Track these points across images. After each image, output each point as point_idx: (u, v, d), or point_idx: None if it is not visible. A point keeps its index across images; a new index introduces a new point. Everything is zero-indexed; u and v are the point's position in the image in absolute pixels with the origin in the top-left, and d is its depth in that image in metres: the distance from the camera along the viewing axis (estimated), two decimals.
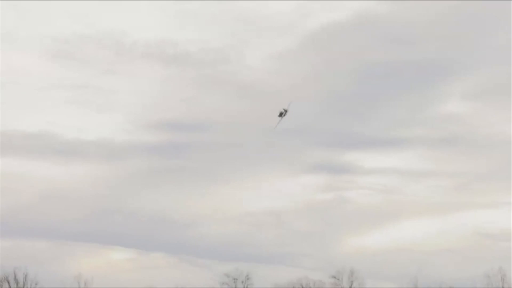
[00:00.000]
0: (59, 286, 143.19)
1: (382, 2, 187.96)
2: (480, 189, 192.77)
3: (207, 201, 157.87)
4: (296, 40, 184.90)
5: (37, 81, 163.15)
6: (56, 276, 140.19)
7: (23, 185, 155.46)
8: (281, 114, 64.10)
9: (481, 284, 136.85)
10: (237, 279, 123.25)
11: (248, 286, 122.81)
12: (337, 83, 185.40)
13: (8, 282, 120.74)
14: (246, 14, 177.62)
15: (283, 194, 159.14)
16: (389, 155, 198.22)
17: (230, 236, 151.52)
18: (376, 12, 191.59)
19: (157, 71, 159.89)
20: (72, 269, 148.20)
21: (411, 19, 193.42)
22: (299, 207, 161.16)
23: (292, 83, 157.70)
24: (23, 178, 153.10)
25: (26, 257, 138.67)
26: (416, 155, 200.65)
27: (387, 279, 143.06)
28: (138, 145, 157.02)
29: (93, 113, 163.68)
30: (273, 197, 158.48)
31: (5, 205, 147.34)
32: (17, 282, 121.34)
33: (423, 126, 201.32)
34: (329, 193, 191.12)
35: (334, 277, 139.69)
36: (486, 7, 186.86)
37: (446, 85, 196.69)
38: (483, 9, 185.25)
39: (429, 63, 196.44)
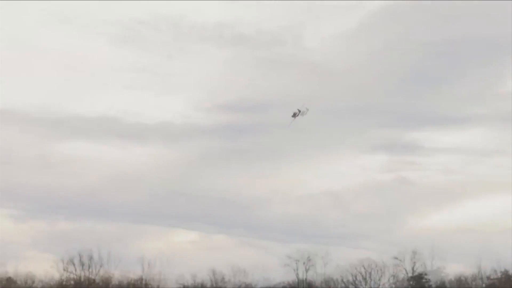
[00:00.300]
0: (124, 267, 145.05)
1: None
2: None
3: (268, 183, 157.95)
4: (355, 21, 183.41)
5: (98, 67, 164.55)
6: (121, 257, 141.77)
7: (87, 169, 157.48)
8: (294, 115, 63.94)
9: None
10: (299, 261, 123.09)
11: (310, 268, 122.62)
12: (397, 63, 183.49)
13: (74, 264, 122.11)
14: None
15: (343, 175, 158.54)
16: (451, 134, 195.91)
17: (291, 218, 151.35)
18: None
19: (215, 54, 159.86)
20: (136, 251, 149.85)
21: None
22: (360, 188, 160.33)
23: (351, 64, 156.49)
24: (85, 162, 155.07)
25: (91, 239, 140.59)
26: (479, 135, 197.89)
27: (450, 260, 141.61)
28: (198, 127, 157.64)
29: (153, 97, 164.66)
30: (333, 178, 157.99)
31: (70, 189, 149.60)
32: (82, 264, 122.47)
33: (485, 105, 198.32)
34: (389, 174, 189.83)
35: (396, 258, 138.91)
36: None
37: (511, 64, 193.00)
38: None
39: (492, 41, 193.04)
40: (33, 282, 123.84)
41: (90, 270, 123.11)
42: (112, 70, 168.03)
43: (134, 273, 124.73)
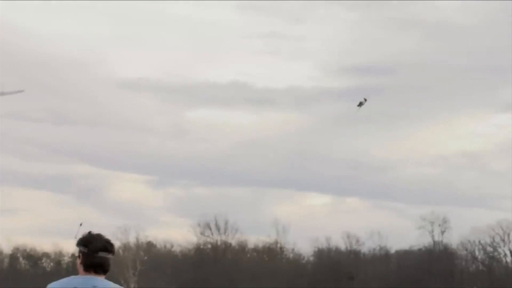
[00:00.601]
0: (258, 231, 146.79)
1: None
2: None
3: (400, 144, 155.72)
4: None
5: (226, 33, 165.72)
6: (255, 222, 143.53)
7: (218, 135, 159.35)
8: (360, 104, 62.00)
9: None
10: (434, 223, 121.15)
11: (446, 230, 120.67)
12: None
13: (210, 229, 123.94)
14: None
15: (477, 135, 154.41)
16: None
17: (424, 179, 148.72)
18: None
19: (343, 16, 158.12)
20: (269, 215, 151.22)
21: None
22: (495, 148, 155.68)
23: (481, 21, 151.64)
24: (217, 128, 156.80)
25: (226, 204, 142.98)
26: None
27: None
28: (328, 91, 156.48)
29: (281, 62, 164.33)
30: (467, 138, 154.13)
31: (202, 155, 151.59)
32: (218, 228, 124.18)
33: None
34: None
35: None
36: None
37: None
38: None
39: None
40: (172, 246, 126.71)
41: (226, 234, 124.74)
42: (240, 36, 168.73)
43: (269, 236, 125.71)
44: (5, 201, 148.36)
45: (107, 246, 7.27)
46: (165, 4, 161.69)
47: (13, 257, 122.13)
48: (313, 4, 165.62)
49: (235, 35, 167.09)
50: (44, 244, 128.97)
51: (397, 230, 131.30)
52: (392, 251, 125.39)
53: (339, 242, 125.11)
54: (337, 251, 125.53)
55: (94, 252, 7.17)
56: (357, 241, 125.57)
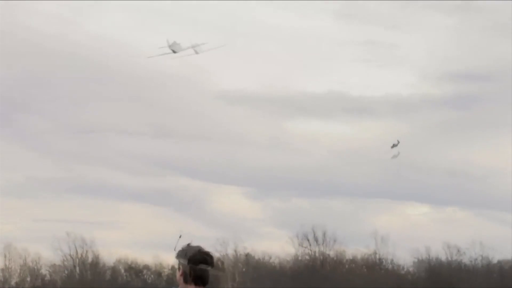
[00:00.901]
0: (356, 242, 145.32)
1: None
2: None
3: (501, 152, 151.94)
4: None
5: (321, 43, 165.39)
6: (353, 233, 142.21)
7: (315, 145, 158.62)
8: (393, 146, 62.76)
9: None
10: None
11: None
12: None
13: (308, 240, 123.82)
14: None
15: None
16: None
17: None
18: None
19: (440, 22, 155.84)
20: (368, 225, 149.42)
21: None
22: None
23: None
24: (314, 138, 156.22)
25: (324, 215, 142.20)
26: None
27: None
28: (426, 98, 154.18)
29: (378, 69, 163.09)
30: None
31: (301, 166, 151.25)
32: (316, 240, 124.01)
33: None
34: None
35: None
36: None
37: None
38: None
39: None
40: (270, 257, 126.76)
41: (324, 245, 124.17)
42: (336, 44, 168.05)
43: (367, 247, 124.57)
44: (107, 214, 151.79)
45: (207, 258, 7.29)
46: (263, 16, 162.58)
47: (115, 269, 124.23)
48: (410, 11, 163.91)
49: (332, 44, 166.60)
50: (145, 256, 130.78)
51: (499, 239, 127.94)
52: (495, 261, 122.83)
53: (439, 252, 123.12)
54: (438, 261, 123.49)
55: (195, 264, 7.20)
56: (458, 251, 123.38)
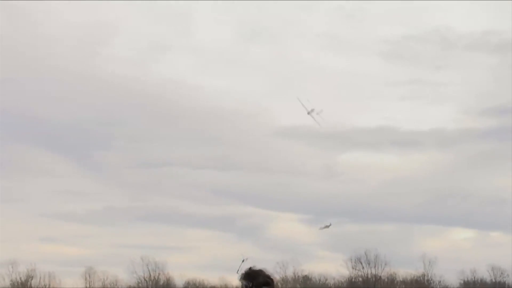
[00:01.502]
0: (406, 265, 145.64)
1: None
2: None
3: None
4: None
5: (372, 82, 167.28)
6: (403, 256, 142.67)
7: (366, 175, 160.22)
8: (325, 227, 67.05)
9: None
10: None
11: None
12: None
13: (361, 263, 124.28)
14: None
15: None
16: None
17: None
18: None
19: (482, 61, 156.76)
20: (417, 249, 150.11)
21: None
22: None
23: None
24: (366, 169, 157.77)
25: (375, 239, 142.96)
26: None
27: None
28: (469, 131, 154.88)
29: (425, 106, 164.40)
30: None
31: (353, 194, 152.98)
32: (368, 262, 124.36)
33: None
34: None
35: None
36: None
37: None
38: None
39: None
40: (326, 279, 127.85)
41: (376, 267, 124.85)
42: (386, 84, 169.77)
43: (416, 270, 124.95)
44: (177, 240, 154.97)
45: (268, 281, 7.66)
46: (315, 58, 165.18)
47: None
48: (453, 52, 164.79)
49: (381, 83, 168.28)
50: (212, 278, 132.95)
51: None
52: None
53: (485, 274, 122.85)
54: (483, 282, 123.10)
55: (258, 286, 7.58)
56: (502, 273, 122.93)
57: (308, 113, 64.05)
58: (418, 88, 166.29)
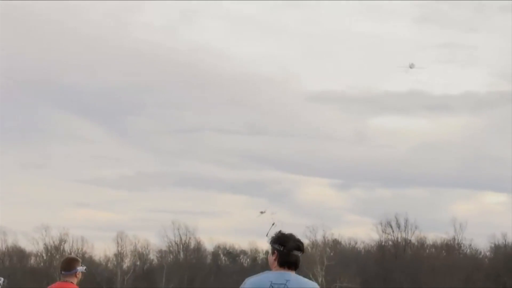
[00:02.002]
0: (436, 229, 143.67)
1: None
2: None
3: None
4: None
5: (403, 46, 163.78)
6: (433, 220, 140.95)
7: (397, 140, 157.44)
8: (261, 213, 62.78)
9: None
10: None
11: None
12: None
13: (391, 227, 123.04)
14: None
15: None
16: None
17: None
18: None
19: None
20: (447, 213, 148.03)
21: None
22: None
23: None
24: (396, 134, 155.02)
25: (406, 204, 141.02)
26: None
27: None
28: (502, 95, 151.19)
29: (458, 69, 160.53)
30: None
31: (384, 159, 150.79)
32: (399, 226, 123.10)
33: None
34: None
35: None
36: None
37: None
38: None
39: None
40: (356, 243, 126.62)
41: (406, 231, 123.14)
42: (417, 48, 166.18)
43: (446, 233, 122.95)
44: (208, 204, 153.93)
45: (300, 245, 7.42)
46: (345, 23, 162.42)
47: (215, 254, 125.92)
48: (486, 14, 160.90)
49: (413, 46, 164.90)
50: (241, 242, 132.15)
51: None
52: None
53: None
54: None
55: (290, 250, 7.31)
56: None
57: (410, 67, 65.98)
58: (450, 51, 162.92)
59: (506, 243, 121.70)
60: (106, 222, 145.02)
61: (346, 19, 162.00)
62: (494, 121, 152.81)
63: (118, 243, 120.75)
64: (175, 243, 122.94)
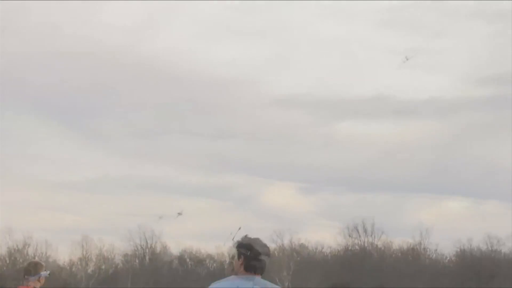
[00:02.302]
0: (402, 234, 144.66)
1: None
2: None
3: None
4: None
5: (369, 51, 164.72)
6: (399, 225, 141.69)
7: (365, 145, 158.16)
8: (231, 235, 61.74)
9: None
10: None
11: None
12: None
13: (358, 231, 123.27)
14: None
15: None
16: None
17: None
18: None
19: (480, 29, 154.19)
20: (413, 218, 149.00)
21: None
22: None
23: None
24: (364, 138, 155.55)
25: (372, 208, 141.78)
26: None
27: None
28: (466, 101, 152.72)
29: (423, 75, 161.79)
30: None
31: (351, 163, 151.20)
32: (365, 231, 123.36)
33: None
34: None
35: None
36: None
37: None
38: None
39: None
40: (322, 247, 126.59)
41: (373, 236, 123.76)
42: (382, 52, 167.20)
43: (413, 238, 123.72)
44: (174, 208, 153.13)
45: (266, 250, 7.41)
46: (312, 26, 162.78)
47: (181, 258, 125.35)
48: (451, 19, 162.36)
49: (378, 52, 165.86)
50: (208, 246, 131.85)
51: None
52: None
53: (480, 243, 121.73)
54: (479, 251, 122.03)
55: (256, 255, 7.31)
56: (498, 241, 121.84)
57: (407, 58, 70.00)
58: (417, 56, 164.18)
59: (471, 248, 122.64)
60: (71, 225, 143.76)
61: (313, 23, 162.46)
62: (460, 127, 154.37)
63: (83, 246, 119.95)
64: (141, 247, 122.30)
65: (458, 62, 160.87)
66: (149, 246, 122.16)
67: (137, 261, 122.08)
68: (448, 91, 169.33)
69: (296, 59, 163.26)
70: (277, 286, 7.44)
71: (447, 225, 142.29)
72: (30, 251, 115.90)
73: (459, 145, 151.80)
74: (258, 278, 7.38)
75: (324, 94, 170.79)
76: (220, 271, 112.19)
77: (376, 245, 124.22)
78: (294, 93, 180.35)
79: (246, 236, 7.48)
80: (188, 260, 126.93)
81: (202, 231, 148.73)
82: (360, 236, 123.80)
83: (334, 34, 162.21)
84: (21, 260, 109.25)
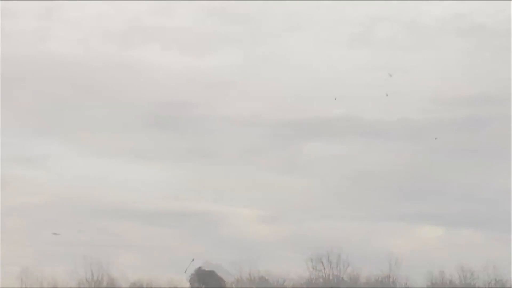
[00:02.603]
0: (371, 265, 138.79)
1: None
2: None
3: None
4: None
5: (335, 69, 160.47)
6: (367, 255, 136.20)
7: (332, 169, 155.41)
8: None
9: None
10: None
11: None
12: None
13: (322, 263, 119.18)
14: None
15: None
16: None
17: None
18: None
19: (453, 46, 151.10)
20: (383, 248, 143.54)
21: None
22: None
23: None
24: (330, 161, 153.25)
25: (338, 238, 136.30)
26: None
27: None
28: (439, 122, 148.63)
29: (391, 94, 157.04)
30: None
31: (316, 189, 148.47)
32: (330, 262, 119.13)
33: None
34: None
35: None
36: None
37: None
38: None
39: None
40: (284, 281, 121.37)
41: (338, 268, 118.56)
42: (349, 71, 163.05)
43: (381, 270, 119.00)
44: (124, 237, 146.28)
45: (221, 283, 4.61)
46: (278, 45, 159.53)
47: None
48: (422, 35, 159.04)
49: (345, 70, 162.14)
50: (160, 279, 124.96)
51: None
52: (508, 284, 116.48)
53: (453, 276, 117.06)
54: (452, 285, 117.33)
55: None
56: (472, 274, 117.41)
57: (390, 75, 71.40)
58: (385, 75, 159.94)
59: (444, 280, 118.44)
60: (9, 256, 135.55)
61: (281, 42, 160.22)
62: (431, 149, 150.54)
63: (22, 280, 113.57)
64: (86, 280, 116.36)
65: (429, 83, 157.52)
66: (95, 279, 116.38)
67: None
68: (418, 112, 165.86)
69: (260, 77, 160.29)
70: None
71: (418, 255, 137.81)
72: None
73: (431, 169, 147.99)
74: None
75: (289, 114, 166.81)
76: None
77: (342, 278, 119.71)
78: (257, 113, 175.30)
79: (200, 268, 4.98)
80: None
81: (155, 261, 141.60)
82: (324, 268, 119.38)
83: (299, 53, 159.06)
84: None
